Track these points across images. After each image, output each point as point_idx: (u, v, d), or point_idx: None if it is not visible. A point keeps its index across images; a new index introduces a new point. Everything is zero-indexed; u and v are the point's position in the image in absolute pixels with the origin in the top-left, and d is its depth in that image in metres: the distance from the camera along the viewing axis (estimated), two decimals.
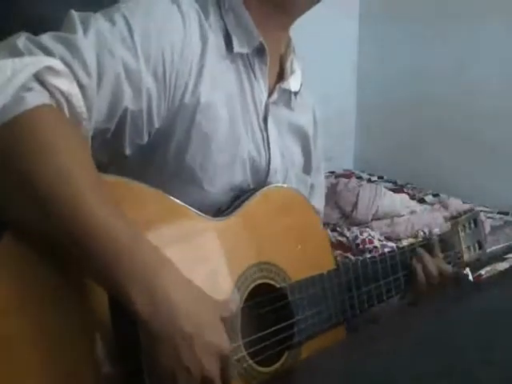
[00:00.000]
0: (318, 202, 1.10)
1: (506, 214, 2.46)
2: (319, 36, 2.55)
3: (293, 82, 0.97)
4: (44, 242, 0.62)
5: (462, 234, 1.12)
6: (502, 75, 2.50)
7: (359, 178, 2.92)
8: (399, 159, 2.90)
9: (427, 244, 1.06)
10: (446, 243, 1.10)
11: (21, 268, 0.62)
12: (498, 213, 2.46)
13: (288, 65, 0.97)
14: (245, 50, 0.88)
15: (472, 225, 1.16)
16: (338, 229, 2.23)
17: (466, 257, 1.13)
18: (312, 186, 1.08)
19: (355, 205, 2.33)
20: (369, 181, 2.87)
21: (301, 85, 0.99)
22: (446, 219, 2.05)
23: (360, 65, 3.12)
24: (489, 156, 2.57)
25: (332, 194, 2.43)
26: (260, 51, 0.90)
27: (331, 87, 2.74)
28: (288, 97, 0.98)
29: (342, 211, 2.36)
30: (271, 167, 0.92)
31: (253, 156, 0.90)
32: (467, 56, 2.60)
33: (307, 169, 1.06)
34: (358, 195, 2.36)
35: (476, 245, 1.16)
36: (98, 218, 0.62)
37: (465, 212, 1.16)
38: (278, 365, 0.85)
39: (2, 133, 0.62)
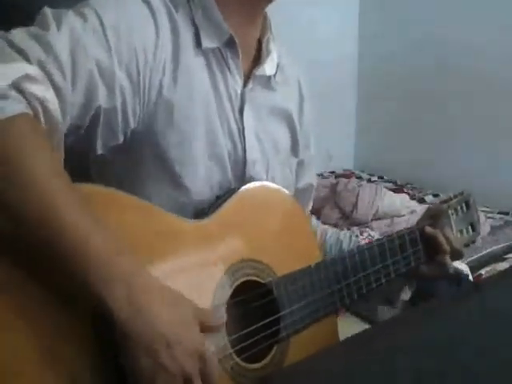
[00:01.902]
0: (310, 176, 1.10)
1: (506, 213, 2.46)
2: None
3: (268, 66, 0.95)
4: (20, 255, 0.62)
5: (453, 218, 1.10)
6: None
7: (359, 178, 2.92)
8: (399, 159, 2.90)
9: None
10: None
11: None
12: (498, 213, 2.46)
13: (264, 45, 0.95)
14: (214, 45, 0.88)
15: (464, 208, 1.14)
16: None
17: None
18: (302, 163, 1.07)
19: (355, 205, 2.33)
20: (369, 181, 2.87)
21: (277, 65, 0.97)
22: None
23: (361, 62, 3.13)
24: (489, 156, 2.57)
25: (332, 194, 2.43)
26: (231, 44, 0.89)
27: (331, 86, 2.75)
28: (266, 79, 0.96)
29: (341, 211, 2.36)
30: (248, 158, 0.92)
31: (229, 150, 0.90)
32: None
33: (295, 149, 1.04)
34: (358, 195, 2.35)
35: (469, 227, 1.15)
36: (75, 230, 0.62)
37: (455, 196, 1.14)
38: (266, 360, 0.85)
39: None
